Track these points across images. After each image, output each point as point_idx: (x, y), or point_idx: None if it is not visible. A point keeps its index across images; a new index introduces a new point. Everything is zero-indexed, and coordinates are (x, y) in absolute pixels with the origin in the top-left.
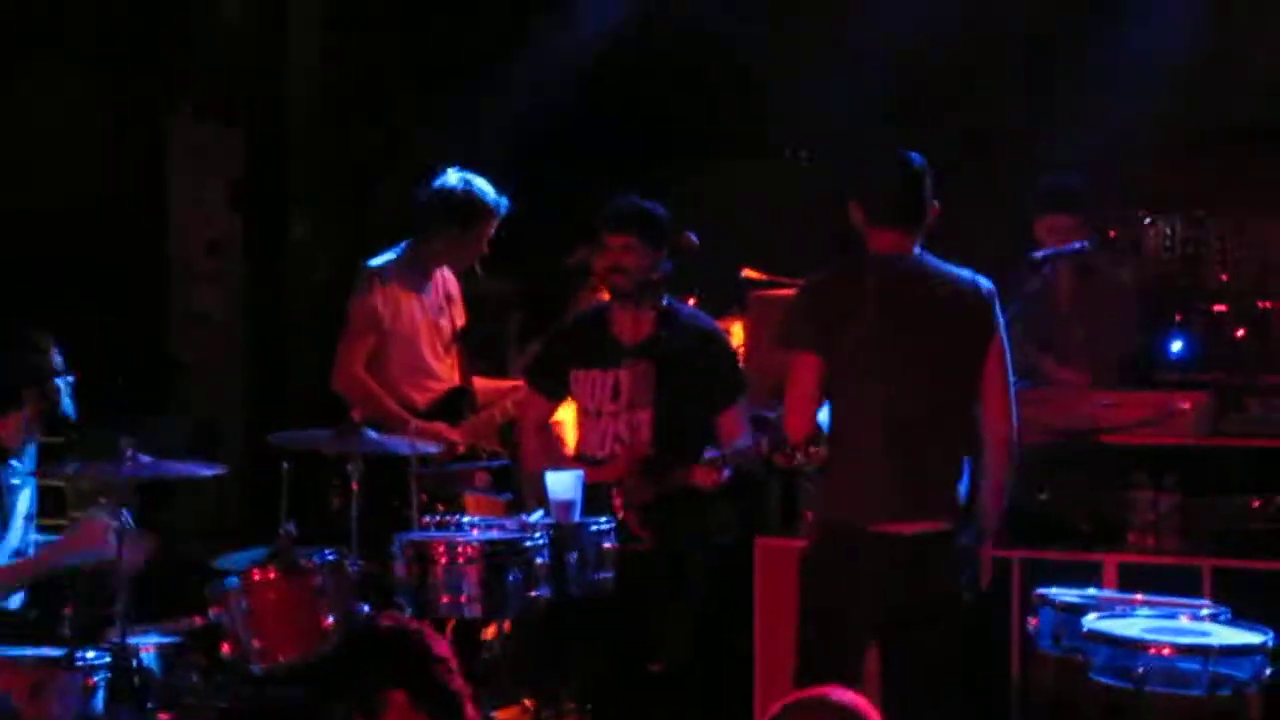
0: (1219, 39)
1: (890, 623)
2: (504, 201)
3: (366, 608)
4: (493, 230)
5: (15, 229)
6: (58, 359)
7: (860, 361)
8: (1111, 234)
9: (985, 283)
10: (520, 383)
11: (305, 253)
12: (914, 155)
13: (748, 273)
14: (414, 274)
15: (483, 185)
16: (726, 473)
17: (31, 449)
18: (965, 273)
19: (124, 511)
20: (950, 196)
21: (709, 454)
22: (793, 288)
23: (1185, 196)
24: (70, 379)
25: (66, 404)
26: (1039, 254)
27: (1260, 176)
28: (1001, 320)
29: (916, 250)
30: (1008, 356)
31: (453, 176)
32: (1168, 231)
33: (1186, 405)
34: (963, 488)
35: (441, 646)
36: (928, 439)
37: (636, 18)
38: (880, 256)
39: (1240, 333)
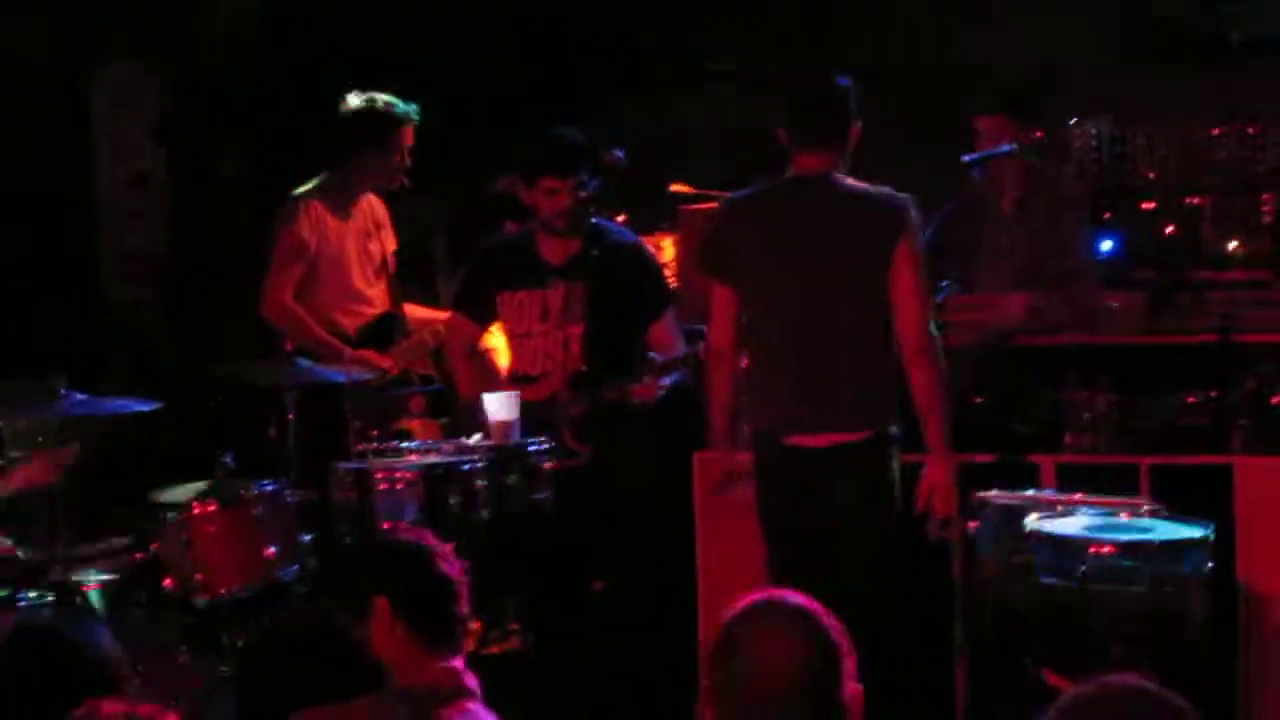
0: None
1: (815, 537)
2: (413, 108)
3: (307, 537)
4: (410, 139)
5: None
6: None
7: (763, 281)
8: (1039, 134)
9: (897, 196)
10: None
11: (232, 186)
12: (837, 77)
13: (676, 188)
14: (339, 200)
15: (388, 97)
16: (664, 382)
17: None
18: (880, 190)
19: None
20: (878, 107)
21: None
22: (720, 201)
23: (1112, 100)
24: None
25: None
26: (968, 156)
27: (1186, 80)
28: (914, 228)
29: (836, 173)
30: (919, 263)
31: (355, 98)
32: (1094, 133)
33: (1118, 304)
34: (885, 397)
35: (448, 569)
36: (836, 352)
37: None
38: (794, 178)
39: (1169, 230)
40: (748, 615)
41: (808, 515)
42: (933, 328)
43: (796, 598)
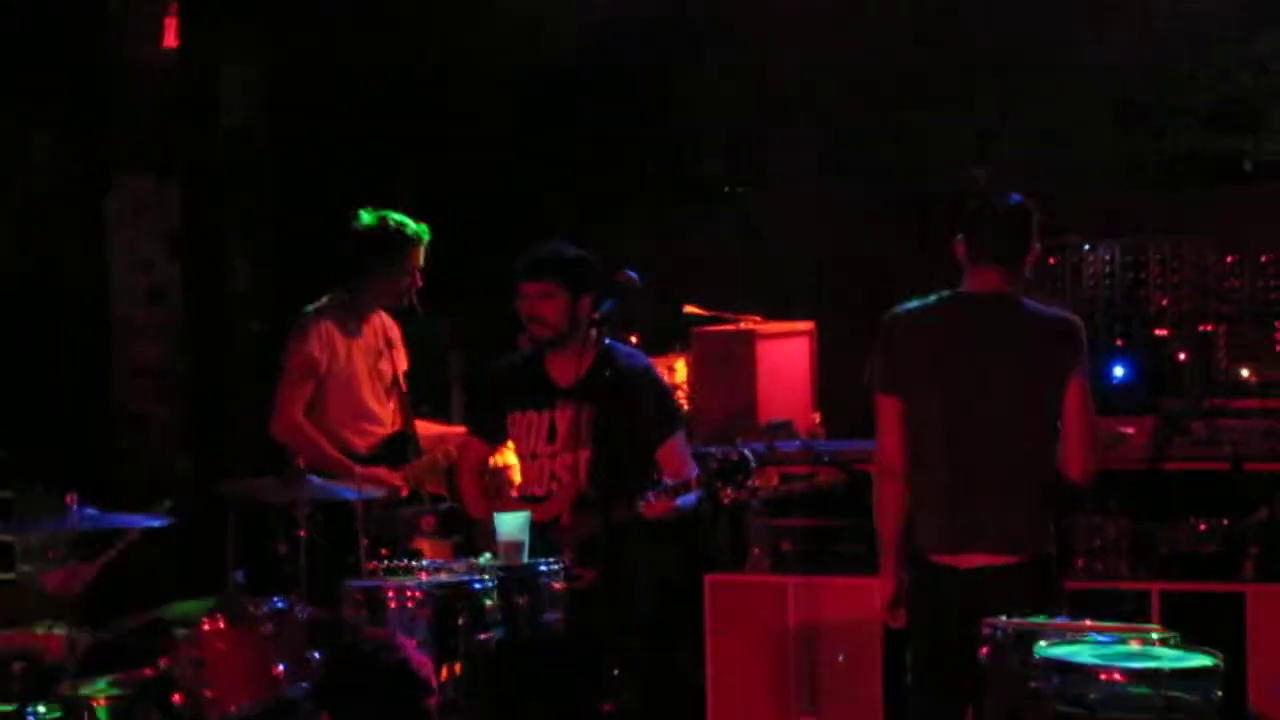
0: (1156, 69)
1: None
2: (423, 229)
3: (317, 655)
4: (420, 260)
5: None
6: None
7: (933, 396)
8: (1051, 260)
9: (1073, 319)
10: (462, 427)
11: (245, 302)
12: (1015, 196)
13: (690, 309)
14: (349, 318)
15: (399, 217)
16: (679, 503)
17: None
18: (1057, 311)
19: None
20: (891, 228)
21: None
22: (734, 323)
23: (1123, 223)
24: None
25: None
26: None
27: (1195, 203)
28: (1086, 353)
29: (1013, 291)
30: (1089, 389)
31: (366, 215)
32: (1106, 258)
33: (1131, 430)
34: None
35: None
36: (1000, 473)
37: (570, 59)
38: (969, 293)
39: (1182, 356)
40: None
41: (953, 635)
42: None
43: None
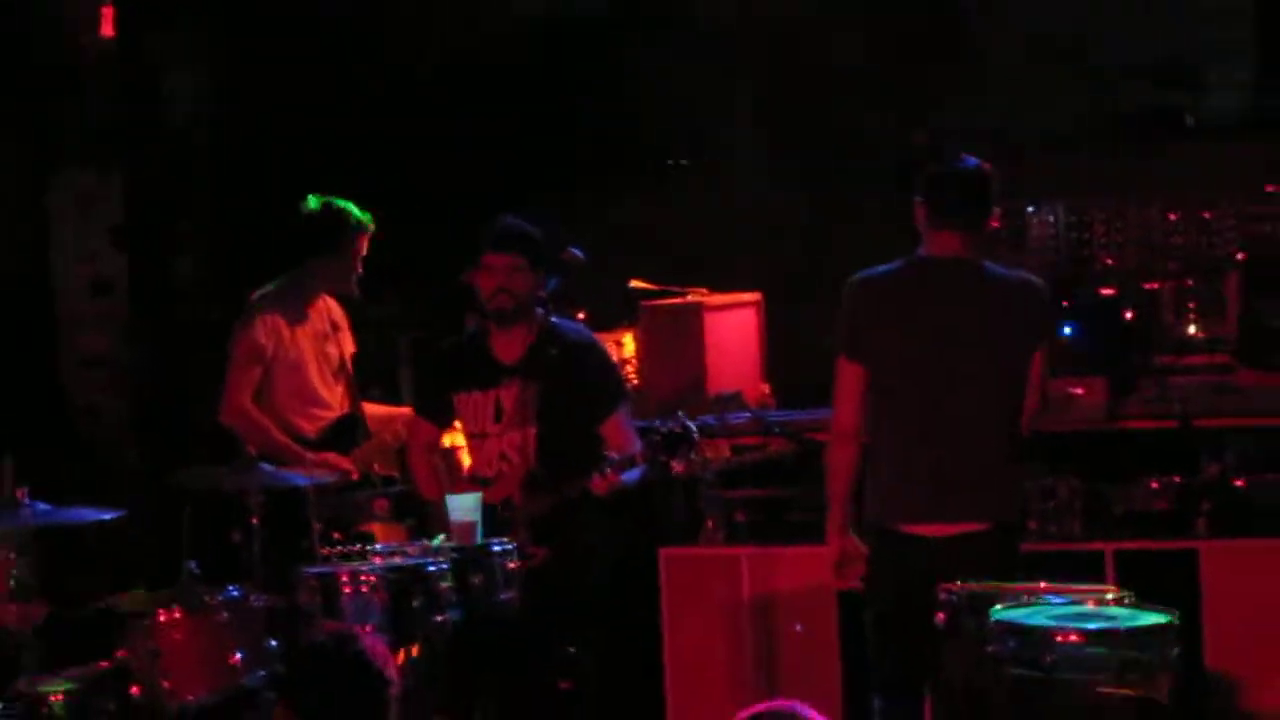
0: (1092, 25)
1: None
2: (367, 217)
3: (274, 643)
4: (365, 248)
5: None
6: None
7: (899, 363)
8: (994, 224)
9: (1038, 281)
10: (409, 409)
11: (192, 290)
12: (971, 159)
13: (636, 284)
14: (295, 303)
15: (343, 204)
16: (625, 476)
17: None
18: (1022, 274)
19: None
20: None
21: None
22: (680, 296)
23: (1066, 185)
24: None
25: None
26: None
27: (1138, 162)
28: (1049, 319)
29: (973, 255)
30: (1047, 351)
31: (313, 201)
32: (1051, 220)
33: (1081, 391)
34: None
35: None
36: (969, 439)
37: (510, 29)
38: (930, 257)
39: (1129, 315)
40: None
41: (919, 603)
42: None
43: (799, 709)
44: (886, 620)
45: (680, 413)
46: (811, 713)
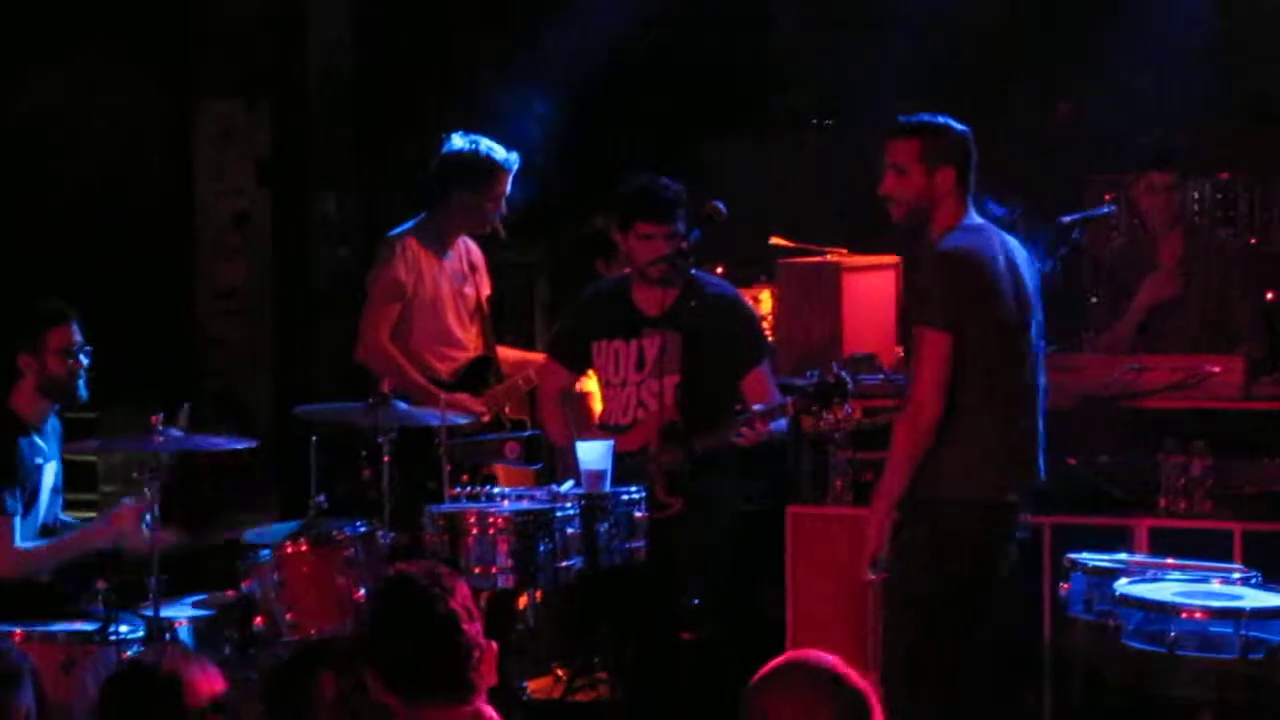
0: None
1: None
2: (514, 157)
3: None
4: (507, 188)
5: (45, 210)
6: (76, 335)
7: (994, 335)
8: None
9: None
10: (542, 355)
11: (331, 227)
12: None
13: (775, 240)
14: (435, 242)
15: (489, 144)
16: (773, 426)
17: (54, 422)
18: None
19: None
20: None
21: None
22: (820, 255)
23: (1212, 162)
24: (88, 354)
25: (80, 385)
26: (1068, 218)
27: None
28: None
29: None
30: None
31: (458, 140)
32: (1196, 196)
33: (1217, 369)
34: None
35: (444, 622)
36: (1037, 410)
37: None
38: (989, 224)
39: (1270, 295)
40: (769, 680)
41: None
42: None
43: (823, 658)
44: (988, 591)
45: (835, 363)
46: (826, 658)
